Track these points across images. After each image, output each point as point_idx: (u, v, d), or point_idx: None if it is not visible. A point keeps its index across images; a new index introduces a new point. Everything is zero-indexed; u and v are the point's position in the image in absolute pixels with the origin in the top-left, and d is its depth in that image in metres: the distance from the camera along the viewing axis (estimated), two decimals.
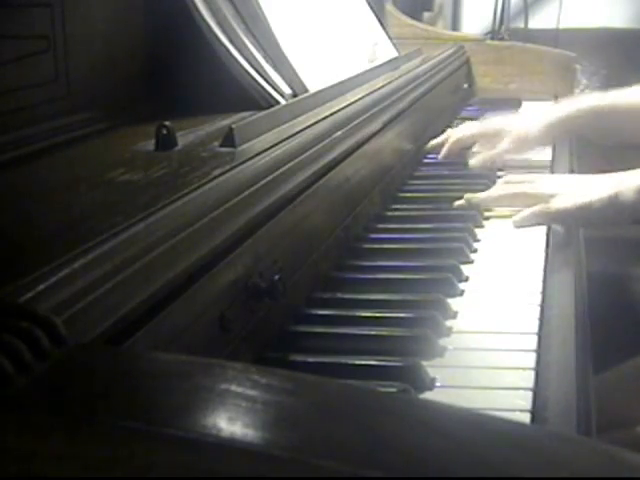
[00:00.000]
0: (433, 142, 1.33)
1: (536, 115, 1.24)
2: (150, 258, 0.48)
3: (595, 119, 1.17)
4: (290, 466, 0.30)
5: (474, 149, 1.28)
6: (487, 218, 1.00)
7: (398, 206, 1.06)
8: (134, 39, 0.90)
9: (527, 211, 0.97)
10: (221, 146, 0.71)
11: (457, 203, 1.03)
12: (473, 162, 1.21)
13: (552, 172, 1.24)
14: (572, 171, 1.24)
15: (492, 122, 1.30)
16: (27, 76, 0.72)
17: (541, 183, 1.01)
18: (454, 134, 1.30)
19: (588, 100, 1.20)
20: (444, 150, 1.29)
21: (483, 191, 1.09)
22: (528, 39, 2.15)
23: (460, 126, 1.36)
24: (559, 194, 0.96)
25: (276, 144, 0.74)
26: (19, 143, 0.69)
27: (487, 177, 1.17)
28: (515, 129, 1.21)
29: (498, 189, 1.05)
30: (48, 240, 0.48)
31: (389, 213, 1.03)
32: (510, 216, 0.99)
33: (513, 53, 1.89)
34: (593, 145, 1.25)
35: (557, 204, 0.96)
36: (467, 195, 1.03)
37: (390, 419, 0.33)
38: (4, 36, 0.69)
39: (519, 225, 0.97)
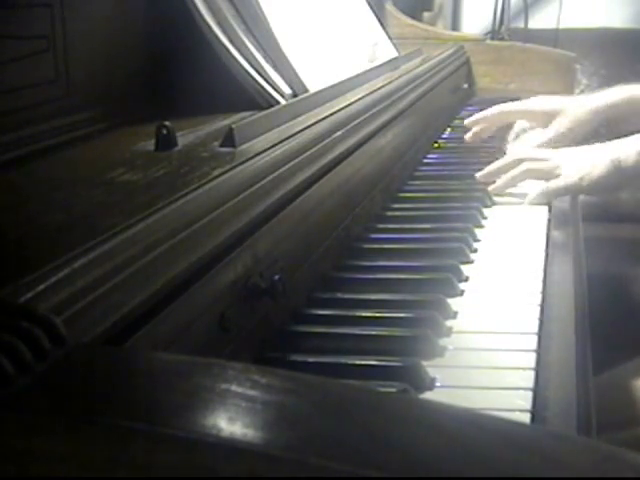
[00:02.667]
0: (472, 119, 1.37)
1: (582, 100, 1.29)
2: (150, 258, 0.48)
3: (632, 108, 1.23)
4: (290, 466, 0.30)
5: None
6: (486, 217, 1.00)
7: (398, 206, 1.06)
8: (134, 39, 0.90)
9: (536, 191, 1.03)
10: (221, 146, 0.71)
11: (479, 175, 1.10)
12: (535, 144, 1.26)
13: None
14: None
15: (538, 102, 1.33)
16: (27, 76, 0.72)
17: (546, 156, 1.06)
18: (497, 107, 1.34)
19: (631, 89, 1.25)
20: (483, 115, 1.34)
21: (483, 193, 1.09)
22: (528, 39, 2.14)
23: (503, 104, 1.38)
24: (564, 166, 1.01)
25: (276, 144, 0.74)
26: (19, 143, 0.69)
27: None
28: (565, 113, 1.26)
29: (507, 168, 1.08)
30: (48, 240, 0.48)
31: (389, 213, 1.03)
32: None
33: (513, 53, 1.89)
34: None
35: (563, 178, 1.01)
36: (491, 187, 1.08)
37: (390, 419, 0.33)
38: (4, 36, 0.69)
39: (533, 203, 1.03)
